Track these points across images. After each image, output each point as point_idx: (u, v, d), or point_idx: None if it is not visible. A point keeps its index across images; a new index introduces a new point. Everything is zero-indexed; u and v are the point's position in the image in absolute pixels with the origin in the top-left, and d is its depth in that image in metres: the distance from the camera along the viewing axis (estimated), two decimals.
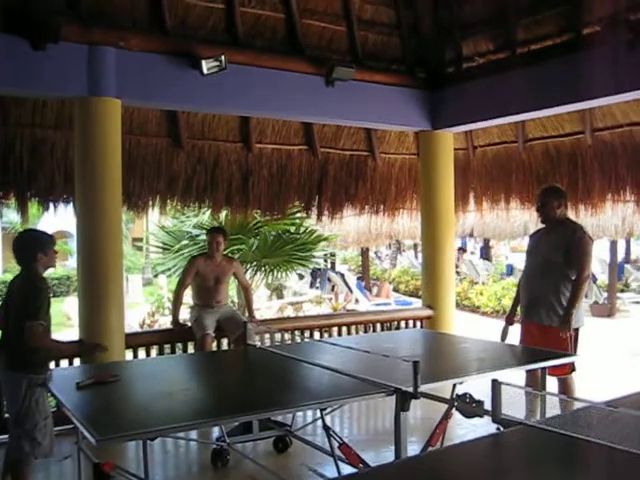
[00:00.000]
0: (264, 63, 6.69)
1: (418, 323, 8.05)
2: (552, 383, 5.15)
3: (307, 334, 7.42)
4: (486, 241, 25.06)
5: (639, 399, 3.17)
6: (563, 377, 5.26)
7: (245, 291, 7.16)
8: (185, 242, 9.70)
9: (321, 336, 7.50)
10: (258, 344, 5.76)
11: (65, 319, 16.72)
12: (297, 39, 7.14)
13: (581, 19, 6.50)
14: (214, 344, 6.62)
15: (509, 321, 5.62)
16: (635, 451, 2.39)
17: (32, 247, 4.18)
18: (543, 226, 5.59)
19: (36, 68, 5.48)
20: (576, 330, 5.31)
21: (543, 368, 4.44)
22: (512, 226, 15.17)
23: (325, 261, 16.61)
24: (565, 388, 5.24)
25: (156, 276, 22.06)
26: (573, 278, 5.25)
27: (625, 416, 2.61)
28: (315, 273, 19.12)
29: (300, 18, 7.16)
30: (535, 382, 4.78)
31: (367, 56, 7.62)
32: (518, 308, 5.67)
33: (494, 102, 7.14)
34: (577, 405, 2.91)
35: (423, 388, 3.55)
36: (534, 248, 5.63)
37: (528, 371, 5.03)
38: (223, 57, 6.10)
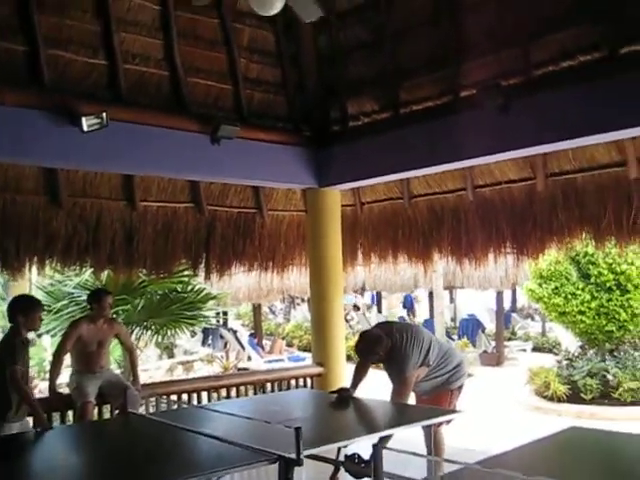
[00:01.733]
0: (148, 120, 6.57)
1: (309, 380, 7.96)
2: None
3: (195, 396, 7.18)
4: (378, 295, 25.46)
5: (515, 457, 3.20)
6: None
7: (130, 354, 6.87)
8: (64, 302, 9.29)
9: (209, 398, 7.28)
10: (142, 410, 5.53)
11: None
12: (182, 96, 7.08)
13: (459, 82, 6.78)
14: (95, 412, 6.29)
15: None
16: None
17: (13, 309, 5.00)
18: None
19: None
20: (458, 389, 5.43)
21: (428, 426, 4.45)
22: (402, 279, 15.53)
23: (217, 321, 16.35)
24: (435, 441, 5.23)
25: (39, 336, 21.06)
26: None
27: (497, 476, 2.61)
28: (207, 331, 18.81)
29: (185, 76, 7.11)
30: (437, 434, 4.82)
31: (253, 114, 7.65)
32: None
33: (380, 160, 7.29)
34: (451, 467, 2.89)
35: (310, 452, 3.46)
36: None
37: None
38: (105, 114, 5.93)
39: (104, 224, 7.44)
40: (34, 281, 11.74)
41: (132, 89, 6.78)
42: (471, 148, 6.50)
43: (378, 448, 2.98)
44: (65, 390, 6.49)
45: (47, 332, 10.13)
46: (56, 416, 6.32)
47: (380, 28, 7.43)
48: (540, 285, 12.83)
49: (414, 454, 2.85)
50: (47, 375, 13.00)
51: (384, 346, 5.28)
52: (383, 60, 7.46)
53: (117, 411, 6.23)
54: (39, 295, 9.95)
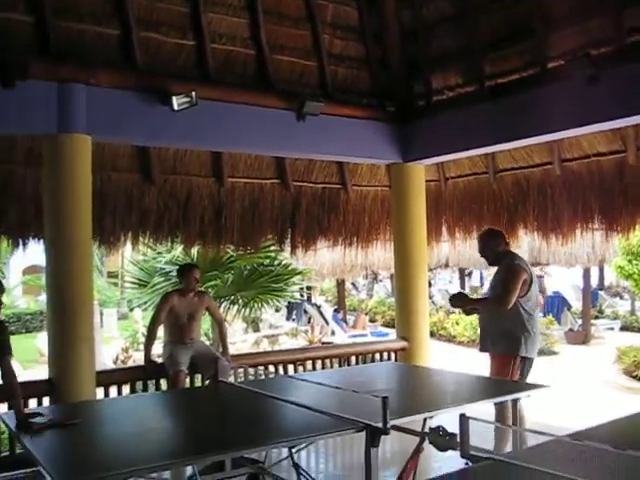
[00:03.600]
0: (235, 98, 6.73)
1: (392, 355, 8.03)
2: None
3: (281, 368, 7.37)
4: (461, 271, 25.19)
5: (605, 431, 3.18)
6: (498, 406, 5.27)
7: (219, 326, 7.11)
8: (158, 279, 9.64)
9: (295, 370, 7.45)
10: (232, 380, 5.72)
11: (38, 355, 16.47)
12: (268, 74, 7.21)
13: (546, 53, 6.64)
14: (187, 381, 6.56)
15: None
16: None
17: None
18: None
19: (5, 106, 5.46)
20: (523, 359, 5.42)
21: (514, 400, 4.45)
22: None
23: (301, 295, 16.60)
24: (500, 417, 5.21)
25: (132, 310, 21.88)
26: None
27: (590, 449, 2.61)
28: (291, 306, 19.11)
29: (270, 54, 7.23)
30: (503, 413, 4.80)
31: (337, 90, 7.71)
32: None
33: (464, 134, 7.23)
34: (543, 439, 2.90)
35: (395, 422, 3.53)
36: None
37: (497, 403, 5.04)
38: (194, 93, 6.12)
39: (194, 200, 7.70)
40: (127, 256, 12.22)
41: (219, 68, 6.95)
42: (558, 120, 6.37)
43: (465, 419, 3.01)
44: (159, 360, 6.77)
45: (138, 306, 10.53)
46: (152, 383, 6.64)
47: (464, 0, 7.34)
48: (630, 262, 12.46)
49: (503, 425, 2.88)
50: (141, 346, 13.65)
51: (500, 242, 5.68)
52: (467, 33, 7.37)
53: (208, 381, 6.49)
54: (134, 271, 10.40)
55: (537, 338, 5.57)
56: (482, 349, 5.70)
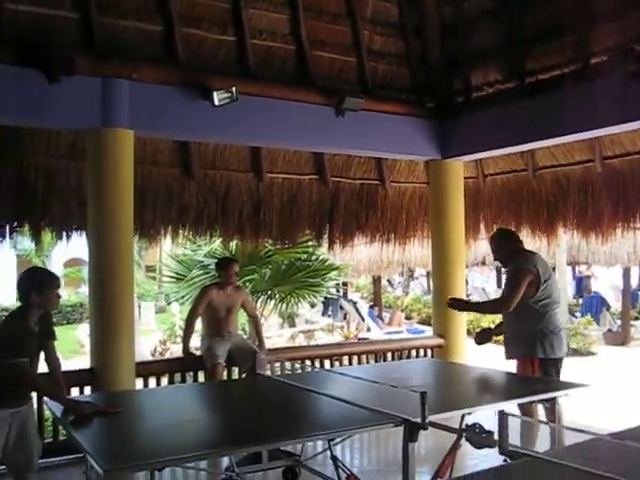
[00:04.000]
0: (275, 94, 6.77)
1: (429, 352, 8.02)
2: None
3: (317, 363, 7.41)
4: (499, 270, 24.95)
5: None
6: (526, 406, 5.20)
7: (254, 320, 7.18)
8: (196, 272, 9.74)
9: (331, 365, 7.48)
10: (268, 373, 5.77)
11: (78, 346, 16.77)
12: (307, 70, 7.24)
13: (588, 49, 6.56)
14: (224, 373, 6.63)
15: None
16: None
17: (28, 286, 4.06)
18: None
19: (51, 100, 5.58)
20: (543, 360, 5.23)
21: (553, 399, 4.41)
22: None
23: (337, 290, 16.62)
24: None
25: (169, 304, 22.10)
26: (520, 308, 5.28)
27: (632, 449, 2.59)
28: (327, 301, 19.13)
29: (310, 49, 7.27)
30: (529, 414, 4.77)
31: (377, 86, 7.71)
32: None
33: (503, 131, 7.18)
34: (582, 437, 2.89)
35: (432, 418, 3.54)
36: None
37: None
38: (234, 88, 6.18)
39: (232, 195, 7.76)
40: (165, 250, 12.35)
41: (259, 64, 7.00)
42: (600, 117, 6.25)
43: (504, 415, 3.01)
44: (197, 353, 6.85)
45: (176, 300, 10.65)
46: (190, 375, 6.73)
47: None
48: None
49: (540, 422, 2.87)
50: (178, 339, 13.81)
51: (511, 241, 5.60)
52: (508, 28, 7.32)
53: (245, 374, 6.54)
54: (172, 264, 10.52)
55: (557, 336, 5.30)
56: (505, 356, 5.53)
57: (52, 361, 4.31)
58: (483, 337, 5.79)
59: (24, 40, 5.58)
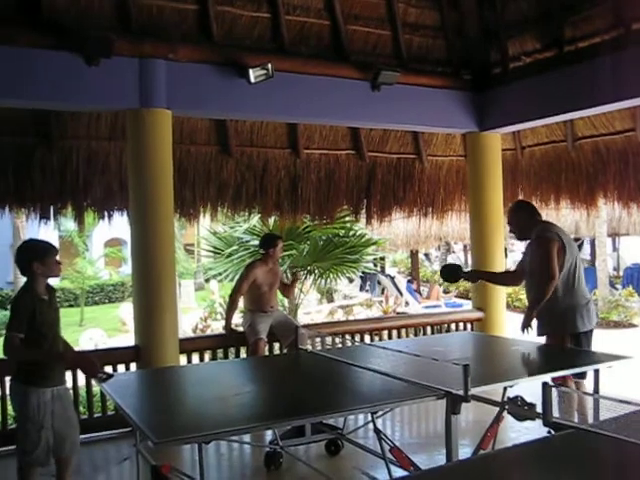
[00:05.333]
0: (310, 70, 6.77)
1: (468, 325, 8.02)
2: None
3: (357, 338, 7.45)
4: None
5: None
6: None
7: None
8: (235, 247, 9.83)
9: (371, 339, 7.52)
10: (310, 348, 5.82)
11: (120, 324, 17.09)
12: (342, 45, 7.20)
13: (630, 14, 6.39)
14: (266, 349, 6.71)
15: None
16: None
17: (28, 257, 4.03)
18: None
19: (90, 83, 5.66)
20: (575, 335, 5.11)
21: (596, 370, 4.38)
22: (563, 225, 14.99)
23: (375, 265, 16.63)
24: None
25: (207, 281, 22.35)
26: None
27: None
28: (365, 276, 19.17)
29: (345, 24, 7.22)
30: (578, 385, 4.74)
31: (412, 59, 7.65)
32: None
33: (542, 102, 7.07)
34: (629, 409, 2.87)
35: (474, 391, 3.55)
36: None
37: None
38: (270, 65, 6.19)
39: (270, 172, 7.81)
40: (205, 226, 12.45)
41: (294, 40, 7.00)
42: None
43: (548, 387, 3.00)
44: (239, 329, 6.94)
45: (219, 274, 10.71)
46: (232, 350, 6.83)
47: None
48: None
49: (586, 393, 2.86)
50: (218, 316, 13.98)
51: (528, 214, 5.37)
52: None
53: (287, 349, 6.61)
54: (212, 240, 10.62)
55: (586, 308, 5.13)
56: (537, 332, 5.33)
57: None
58: (454, 274, 5.89)
59: (62, 24, 5.65)
